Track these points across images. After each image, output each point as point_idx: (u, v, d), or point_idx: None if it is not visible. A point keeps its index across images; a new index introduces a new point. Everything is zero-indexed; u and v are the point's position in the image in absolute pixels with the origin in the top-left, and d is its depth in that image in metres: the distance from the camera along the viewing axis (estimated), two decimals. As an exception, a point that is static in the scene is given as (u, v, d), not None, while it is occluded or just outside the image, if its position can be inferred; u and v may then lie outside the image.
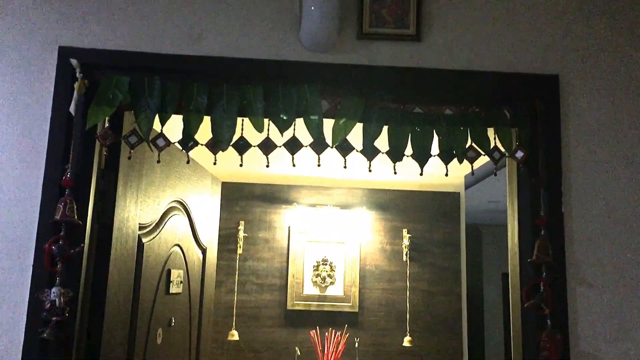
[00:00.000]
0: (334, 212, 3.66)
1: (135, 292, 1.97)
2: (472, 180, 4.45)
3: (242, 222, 3.61)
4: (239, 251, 3.58)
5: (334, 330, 3.44)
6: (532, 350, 1.72)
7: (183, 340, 2.41)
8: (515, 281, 1.85)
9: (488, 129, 1.81)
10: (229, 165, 2.95)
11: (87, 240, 1.70)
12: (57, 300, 1.58)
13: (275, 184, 3.69)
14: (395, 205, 3.71)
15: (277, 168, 3.65)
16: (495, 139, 1.81)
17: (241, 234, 3.59)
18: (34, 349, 1.61)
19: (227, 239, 3.56)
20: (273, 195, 3.68)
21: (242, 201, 3.65)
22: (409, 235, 3.65)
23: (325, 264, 3.63)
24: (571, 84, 1.86)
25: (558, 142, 1.82)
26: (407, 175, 3.69)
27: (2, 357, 1.62)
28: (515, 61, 1.86)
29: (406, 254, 3.64)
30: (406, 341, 3.50)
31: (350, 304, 3.58)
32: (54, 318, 1.58)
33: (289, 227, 3.65)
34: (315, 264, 3.62)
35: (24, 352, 1.62)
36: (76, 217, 1.65)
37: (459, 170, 3.59)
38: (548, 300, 1.70)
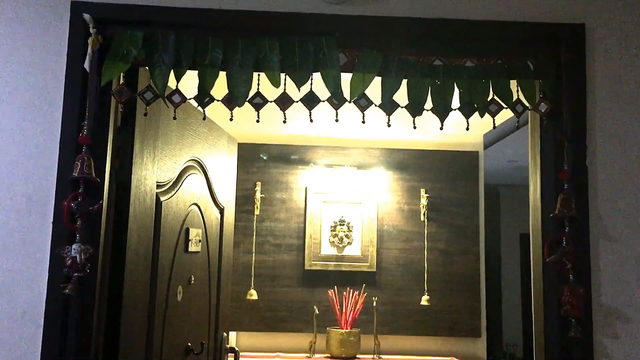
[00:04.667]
0: (351, 172, 3.63)
1: (155, 249, 1.98)
2: (491, 140, 4.40)
3: (258, 183, 3.60)
4: (256, 212, 3.58)
5: (351, 290, 3.44)
6: (554, 305, 1.71)
7: (203, 298, 2.44)
8: (537, 237, 1.83)
9: (510, 81, 1.76)
10: (245, 126, 2.93)
11: (105, 198, 1.70)
12: (77, 256, 1.59)
13: (292, 145, 3.66)
14: (413, 165, 3.67)
15: (293, 128, 3.62)
16: (518, 91, 1.76)
17: (258, 195, 3.59)
18: (56, 305, 1.64)
19: (244, 200, 3.56)
20: (290, 156, 3.66)
21: (258, 162, 3.63)
22: (427, 195, 3.61)
23: (343, 225, 3.62)
24: (598, 33, 1.80)
25: (583, 94, 1.77)
26: (425, 134, 3.65)
27: (27, 312, 1.65)
28: (540, 10, 1.80)
29: (424, 214, 3.61)
30: (424, 300, 3.50)
31: (368, 264, 3.58)
32: (75, 274, 1.59)
33: (306, 187, 3.63)
34: (333, 225, 3.62)
35: (47, 307, 1.64)
36: (94, 174, 1.64)
37: (478, 129, 3.56)
38: (570, 255, 1.68)
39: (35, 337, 1.64)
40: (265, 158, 3.62)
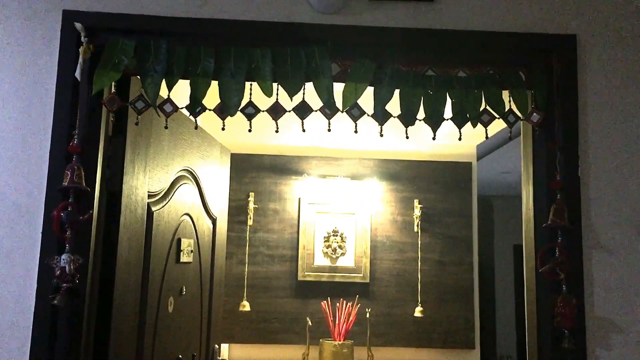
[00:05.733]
0: (345, 183, 3.63)
1: (146, 259, 1.96)
2: (484, 151, 4.41)
3: (252, 194, 3.59)
4: (249, 222, 3.56)
5: (345, 301, 3.42)
6: (547, 316, 1.70)
7: (194, 310, 2.41)
8: (530, 247, 1.83)
9: (503, 91, 1.76)
10: (238, 137, 2.92)
11: (95, 207, 1.69)
12: (67, 266, 1.57)
13: (285, 155, 3.66)
14: (407, 176, 3.66)
15: (286, 139, 3.61)
16: (510, 101, 1.76)
17: (251, 206, 3.57)
18: (45, 315, 1.61)
19: (237, 211, 3.54)
20: (283, 167, 3.65)
21: (251, 172, 3.62)
22: (420, 205, 3.61)
23: (336, 235, 3.61)
24: (590, 44, 1.81)
25: (575, 105, 1.78)
26: (418, 145, 3.65)
27: (15, 323, 1.63)
28: (532, 21, 1.81)
29: (417, 225, 3.60)
30: (417, 311, 3.49)
31: (361, 275, 3.56)
32: (64, 285, 1.57)
33: (299, 198, 3.62)
34: (326, 235, 3.60)
35: (35, 318, 1.62)
36: (84, 183, 1.63)
37: (471, 140, 3.57)
38: (563, 265, 1.67)
39: (24, 348, 1.62)
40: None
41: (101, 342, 1.71)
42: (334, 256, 3.61)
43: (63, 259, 1.58)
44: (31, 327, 1.62)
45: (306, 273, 3.58)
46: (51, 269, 1.59)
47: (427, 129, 1.75)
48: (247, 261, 3.55)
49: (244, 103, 1.72)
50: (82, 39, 1.69)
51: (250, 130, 1.72)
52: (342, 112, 1.74)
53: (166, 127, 1.77)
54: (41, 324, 1.61)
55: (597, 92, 1.79)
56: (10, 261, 1.65)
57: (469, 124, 1.76)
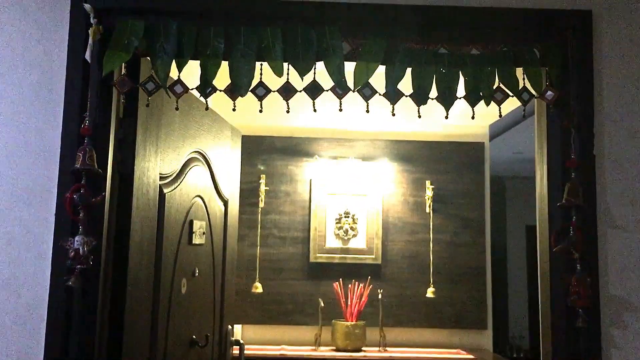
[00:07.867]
0: (356, 164, 3.62)
1: (158, 241, 1.97)
2: (497, 131, 4.37)
3: (263, 176, 3.60)
4: (261, 205, 3.57)
5: (357, 282, 3.44)
6: (561, 295, 1.69)
7: (207, 291, 2.43)
8: (544, 226, 1.81)
9: (516, 68, 1.74)
10: (249, 118, 2.90)
11: (108, 189, 1.69)
12: (80, 248, 1.58)
13: (296, 137, 3.65)
14: (418, 157, 3.65)
15: (298, 120, 3.60)
16: (524, 79, 1.74)
17: (262, 188, 3.58)
18: (59, 297, 1.62)
19: (248, 193, 3.54)
20: (294, 148, 3.65)
21: (262, 155, 3.62)
22: (432, 186, 3.60)
23: (348, 217, 3.61)
24: (605, 19, 1.77)
25: (590, 82, 1.75)
26: (430, 125, 3.62)
27: (30, 305, 1.64)
28: (546, -4, 1.77)
29: (429, 206, 3.59)
30: (429, 292, 3.49)
31: (373, 256, 3.57)
32: (78, 266, 1.58)
33: (311, 180, 3.62)
34: (338, 217, 3.61)
35: (50, 299, 1.63)
36: (96, 165, 1.63)
37: (484, 120, 3.54)
38: (578, 244, 1.66)
39: (39, 329, 1.63)
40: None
41: (115, 323, 1.72)
42: (345, 238, 3.62)
43: (77, 241, 1.59)
44: (46, 309, 1.63)
45: (318, 255, 3.58)
46: (65, 250, 1.60)
47: (440, 109, 1.73)
48: (259, 243, 3.56)
49: (254, 83, 1.70)
50: (91, 20, 1.68)
51: (261, 111, 1.71)
52: (353, 91, 1.72)
53: (177, 109, 1.76)
54: (56, 305, 1.63)
55: (613, 68, 1.76)
56: (25, 243, 1.66)
57: (481, 103, 1.73)
